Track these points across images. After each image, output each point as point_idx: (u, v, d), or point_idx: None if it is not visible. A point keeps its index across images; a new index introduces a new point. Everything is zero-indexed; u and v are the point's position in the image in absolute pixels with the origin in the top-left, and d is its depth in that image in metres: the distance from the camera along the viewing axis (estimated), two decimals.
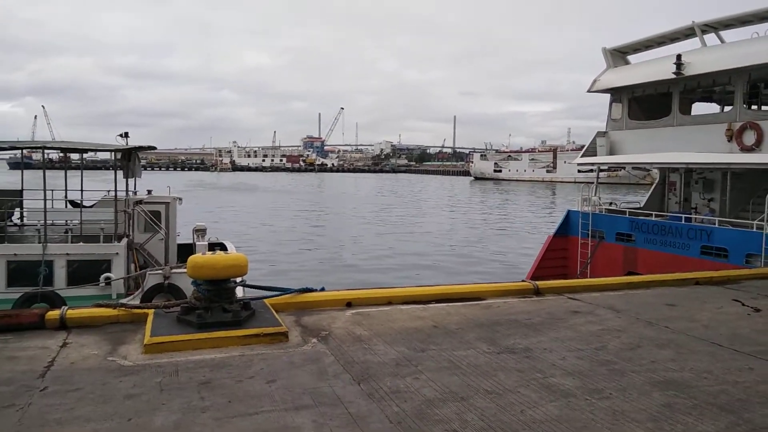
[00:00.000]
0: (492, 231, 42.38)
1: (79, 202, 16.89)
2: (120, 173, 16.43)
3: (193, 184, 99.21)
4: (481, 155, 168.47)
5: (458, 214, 54.89)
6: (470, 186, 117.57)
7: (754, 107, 18.04)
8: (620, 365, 4.60)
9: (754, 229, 14.28)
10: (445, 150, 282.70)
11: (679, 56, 17.31)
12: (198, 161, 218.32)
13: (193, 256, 5.32)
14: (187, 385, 3.96)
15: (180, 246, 17.94)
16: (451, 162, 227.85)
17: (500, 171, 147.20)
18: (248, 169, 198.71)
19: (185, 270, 5.46)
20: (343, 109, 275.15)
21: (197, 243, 16.85)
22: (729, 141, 16.21)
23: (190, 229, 18.62)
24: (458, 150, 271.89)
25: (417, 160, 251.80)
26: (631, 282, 8.11)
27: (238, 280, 5.52)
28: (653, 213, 17.97)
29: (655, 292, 7.61)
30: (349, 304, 6.26)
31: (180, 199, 18.15)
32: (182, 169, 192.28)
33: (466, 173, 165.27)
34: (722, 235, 15.01)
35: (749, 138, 15.75)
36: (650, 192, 21.58)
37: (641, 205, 20.75)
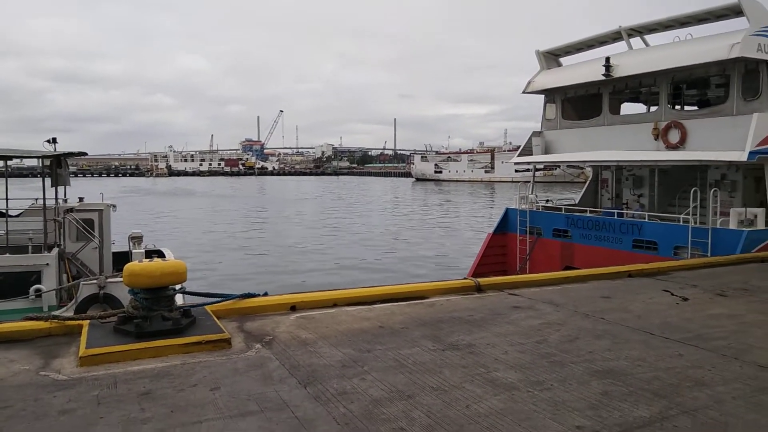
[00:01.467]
0: (434, 230, 42.86)
1: (4, 211, 16.04)
2: (48, 181, 15.71)
3: (127, 190, 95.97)
4: (422, 157, 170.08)
5: (401, 215, 55.23)
6: (412, 187, 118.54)
7: (677, 107, 18.95)
8: (560, 357, 4.74)
9: (681, 223, 14.99)
10: (386, 152, 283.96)
11: (607, 59, 17.99)
12: (133, 167, 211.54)
13: (129, 264, 5.15)
14: (126, 397, 3.83)
15: (115, 254, 17.30)
16: (392, 164, 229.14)
17: (441, 172, 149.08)
18: (185, 173, 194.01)
19: (122, 279, 5.28)
20: (282, 111, 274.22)
21: (134, 251, 16.29)
22: (656, 139, 16.96)
23: (125, 237, 17.99)
24: (399, 152, 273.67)
25: (359, 163, 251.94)
26: (568, 276, 8.37)
27: (177, 287, 5.38)
28: (587, 209, 18.60)
29: (591, 285, 7.89)
30: (293, 308, 6.21)
31: (114, 206, 17.50)
32: (116, 175, 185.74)
33: (408, 175, 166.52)
34: (652, 229, 15.69)
35: (674, 136, 16.52)
36: (584, 189, 22.33)
37: (576, 202, 21.44)
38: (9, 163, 17.42)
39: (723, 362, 4.66)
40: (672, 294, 7.29)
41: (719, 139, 15.37)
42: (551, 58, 21.44)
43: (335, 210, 61.36)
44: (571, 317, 6.07)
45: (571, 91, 20.27)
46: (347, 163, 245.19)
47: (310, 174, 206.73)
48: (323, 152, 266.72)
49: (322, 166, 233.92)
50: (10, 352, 4.68)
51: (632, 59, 17.95)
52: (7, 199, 16.19)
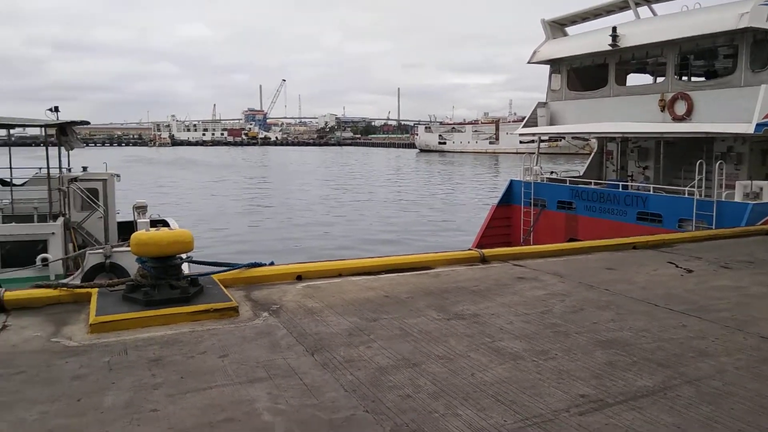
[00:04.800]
0: (438, 201, 42.89)
1: (9, 180, 16.08)
2: (53, 150, 15.71)
3: (131, 159, 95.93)
4: (426, 128, 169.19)
5: (405, 186, 55.21)
6: (416, 158, 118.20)
7: (684, 78, 18.76)
8: (564, 327, 4.78)
9: (686, 195, 14.97)
10: (390, 122, 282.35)
11: (614, 28, 17.76)
12: (136, 136, 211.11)
13: (136, 233, 5.17)
14: (136, 363, 3.89)
15: (120, 224, 17.41)
16: (396, 134, 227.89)
17: (445, 143, 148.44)
18: (188, 143, 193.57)
19: (128, 248, 5.32)
20: (284, 81, 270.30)
21: (138, 220, 16.38)
22: (662, 111, 16.83)
23: (129, 207, 18.06)
24: (403, 122, 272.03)
25: (362, 133, 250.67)
26: (572, 248, 8.39)
27: (184, 256, 5.42)
28: (592, 181, 18.57)
29: (595, 257, 7.91)
30: (300, 278, 6.25)
31: (118, 175, 17.55)
32: (119, 145, 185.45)
33: (412, 146, 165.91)
34: (656, 202, 15.67)
35: (680, 108, 16.39)
36: (589, 161, 22.26)
37: (581, 174, 21.39)
38: (11, 132, 17.41)
39: (726, 333, 4.70)
40: (676, 266, 7.31)
41: (726, 111, 15.25)
42: (557, 27, 21.15)
43: (338, 181, 61.31)
44: (576, 288, 6.10)
45: (576, 62, 20.06)
46: (350, 134, 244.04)
47: (313, 144, 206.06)
48: (326, 122, 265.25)
49: (325, 136, 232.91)
50: (21, 319, 4.74)
51: (639, 29, 17.72)
52: (11, 168, 16.23)
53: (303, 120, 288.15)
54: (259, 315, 4.99)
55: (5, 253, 13.65)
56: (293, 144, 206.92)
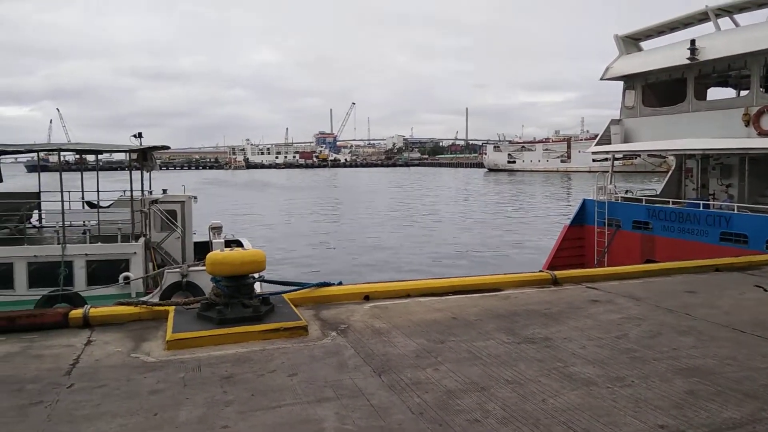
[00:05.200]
0: (508, 221, 42.23)
1: (95, 203, 17.05)
2: (136, 173, 16.59)
3: (208, 182, 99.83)
4: (495, 146, 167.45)
5: (473, 206, 54.73)
6: (484, 177, 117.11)
7: None
8: (641, 353, 4.57)
9: None
10: (457, 142, 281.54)
11: (693, 41, 17.10)
12: (212, 160, 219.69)
13: (211, 253, 5.36)
14: (209, 380, 4.00)
15: (196, 244, 18.07)
16: (464, 154, 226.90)
17: (514, 162, 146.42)
18: (262, 166, 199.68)
19: (203, 267, 5.51)
20: (354, 104, 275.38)
21: (214, 240, 16.96)
22: (746, 126, 16.00)
23: (205, 227, 18.74)
24: (471, 142, 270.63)
25: (430, 153, 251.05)
26: (650, 270, 8.05)
27: (257, 275, 5.56)
28: (670, 200, 17.80)
29: (674, 279, 7.55)
30: (367, 298, 6.28)
31: (195, 197, 18.25)
32: (197, 168, 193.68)
33: (480, 165, 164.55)
34: (742, 221, 14.84)
35: (767, 122, 15.53)
36: (666, 179, 21.37)
37: (658, 193, 20.56)
38: (99, 157, 18.52)
39: None
40: (765, 290, 6.87)
41: None
42: (631, 42, 20.59)
43: (406, 201, 61.51)
44: (653, 312, 5.83)
45: (652, 77, 19.41)
46: (418, 154, 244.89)
47: (382, 165, 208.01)
48: (394, 143, 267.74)
49: (393, 157, 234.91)
50: (104, 335, 4.99)
51: (720, 41, 16.98)
52: (98, 191, 17.21)
53: (371, 141, 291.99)
54: (328, 334, 5.04)
55: (91, 271, 14.44)
56: (362, 165, 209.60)
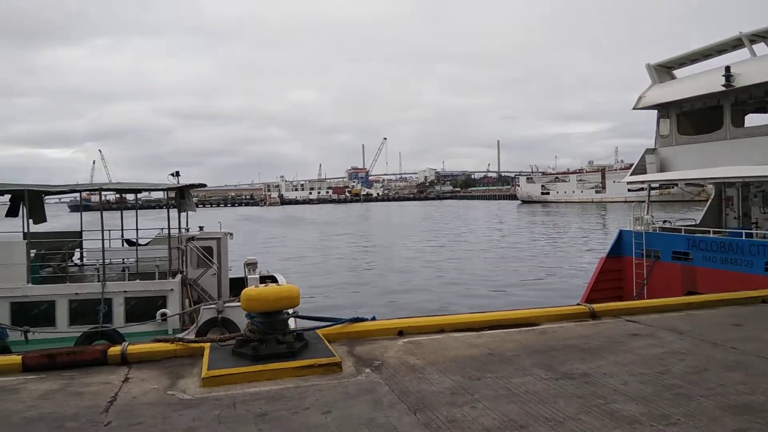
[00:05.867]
0: (543, 254, 41.62)
1: (134, 240, 17.44)
2: (173, 211, 16.94)
3: (243, 218, 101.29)
4: (527, 178, 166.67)
5: (507, 238, 54.18)
6: (518, 209, 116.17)
7: None
8: (687, 389, 4.41)
9: None
10: (489, 174, 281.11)
11: (728, 68, 16.85)
12: (248, 197, 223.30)
13: (246, 289, 5.41)
14: (244, 418, 3.99)
15: (232, 280, 18.25)
16: (496, 186, 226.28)
17: (548, 193, 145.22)
18: (296, 202, 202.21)
19: (238, 303, 5.55)
20: (386, 139, 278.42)
21: (249, 276, 17.10)
22: None
23: (241, 263, 18.95)
24: (503, 174, 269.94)
25: (462, 186, 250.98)
26: (692, 302, 7.81)
27: (291, 311, 5.57)
28: (711, 230, 17.33)
29: (719, 311, 7.31)
30: (401, 333, 6.23)
31: (231, 234, 18.50)
32: (233, 205, 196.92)
33: (513, 197, 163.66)
34: None
35: None
36: (706, 208, 20.85)
37: (697, 222, 20.06)
38: (138, 196, 19.00)
39: None
40: None
41: None
42: (663, 70, 20.39)
43: (438, 234, 61.26)
44: (698, 346, 5.64)
45: (687, 105, 19.13)
46: (450, 187, 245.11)
47: (414, 199, 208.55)
48: (426, 177, 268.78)
49: (425, 191, 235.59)
50: (142, 372, 5.04)
51: (756, 67, 16.69)
52: (137, 229, 17.62)
53: (403, 175, 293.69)
54: (362, 371, 5.00)
55: (129, 308, 14.68)
56: (394, 199, 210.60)
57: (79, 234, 17.91)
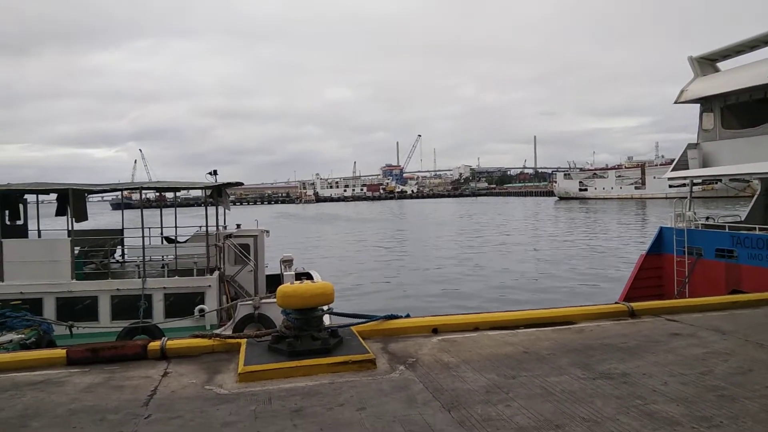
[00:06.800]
0: (581, 251, 40.97)
1: (173, 238, 17.80)
2: (211, 209, 17.23)
3: (279, 215, 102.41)
4: (565, 174, 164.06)
5: (545, 235, 53.49)
6: (555, 206, 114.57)
7: None
8: (730, 391, 4.28)
9: None
10: (526, 171, 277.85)
11: None
12: (284, 194, 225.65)
13: (281, 286, 5.46)
14: (279, 413, 4.03)
15: (268, 277, 18.46)
16: (533, 183, 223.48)
17: (586, 190, 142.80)
18: (330, 199, 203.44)
19: (274, 300, 5.61)
20: (420, 136, 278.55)
21: (285, 273, 17.29)
22: None
23: (277, 260, 19.16)
24: (540, 170, 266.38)
25: (497, 183, 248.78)
26: (736, 301, 7.58)
27: (326, 308, 5.61)
28: (756, 226, 16.80)
29: (764, 311, 7.08)
30: (435, 331, 6.21)
31: (267, 231, 18.72)
32: (269, 203, 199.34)
33: (550, 194, 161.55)
34: None
35: None
36: (752, 204, 20.22)
37: (742, 219, 19.46)
38: (177, 194, 19.39)
39: None
40: None
41: None
42: (706, 63, 19.84)
43: (473, 231, 60.87)
44: (742, 347, 5.47)
45: (732, 98, 18.57)
46: (485, 184, 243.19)
47: (448, 196, 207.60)
48: (461, 174, 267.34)
49: (459, 187, 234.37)
50: (180, 366, 5.15)
51: None
52: (176, 226, 17.98)
53: (438, 172, 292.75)
54: (396, 368, 5.00)
55: (169, 303, 15.01)
56: (428, 196, 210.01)
57: (121, 231, 18.37)
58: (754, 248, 15.75)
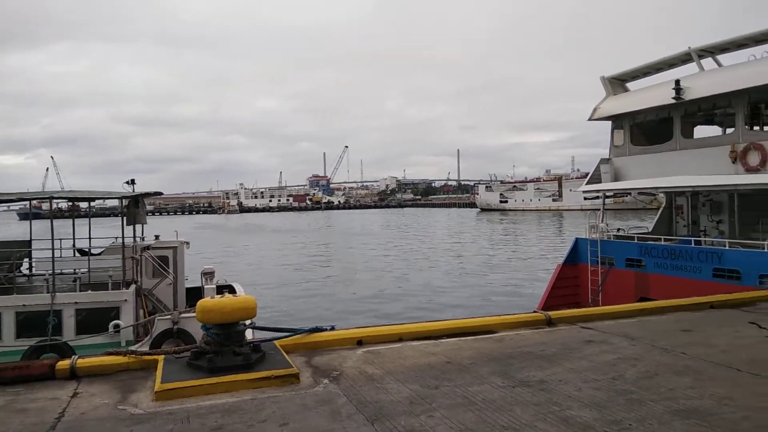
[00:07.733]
0: (501, 262, 42.17)
1: (87, 250, 16.94)
2: (126, 220, 16.53)
3: (201, 227, 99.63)
4: (486, 187, 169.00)
5: (466, 246, 54.70)
6: (477, 217, 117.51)
7: (756, 128, 18.09)
8: (638, 394, 4.51)
9: (766, 250, 14.16)
10: (450, 183, 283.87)
11: (677, 81, 17.46)
12: (206, 204, 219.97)
13: (201, 300, 5.30)
14: None
15: (188, 290, 17.91)
16: (456, 194, 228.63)
17: (506, 201, 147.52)
18: (255, 210, 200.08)
19: (194, 314, 5.44)
20: (347, 147, 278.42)
21: (206, 286, 16.83)
22: (733, 162, 16.21)
23: (198, 273, 18.62)
24: (463, 182, 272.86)
25: (422, 194, 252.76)
26: (644, 308, 8.01)
27: (248, 322, 5.49)
28: (662, 237, 17.86)
29: (669, 317, 7.52)
30: (360, 342, 6.20)
31: (188, 243, 18.18)
32: (190, 213, 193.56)
33: (472, 205, 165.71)
34: (734, 257, 14.88)
35: (753, 158, 15.75)
36: (657, 216, 21.51)
37: (649, 230, 20.65)
38: (92, 203, 18.48)
39: None
40: (760, 327, 6.84)
41: None
42: (617, 83, 21.00)
43: (397, 242, 61.45)
44: (649, 352, 5.78)
45: (639, 116, 19.73)
46: (411, 195, 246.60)
47: (375, 207, 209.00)
48: (387, 185, 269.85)
49: (386, 198, 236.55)
50: (92, 386, 4.88)
51: (704, 81, 17.34)
52: (90, 238, 17.12)
53: (365, 184, 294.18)
54: (320, 382, 4.95)
55: (81, 319, 14.23)
56: (355, 207, 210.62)
57: (29, 243, 17.32)
58: (660, 257, 16.74)
